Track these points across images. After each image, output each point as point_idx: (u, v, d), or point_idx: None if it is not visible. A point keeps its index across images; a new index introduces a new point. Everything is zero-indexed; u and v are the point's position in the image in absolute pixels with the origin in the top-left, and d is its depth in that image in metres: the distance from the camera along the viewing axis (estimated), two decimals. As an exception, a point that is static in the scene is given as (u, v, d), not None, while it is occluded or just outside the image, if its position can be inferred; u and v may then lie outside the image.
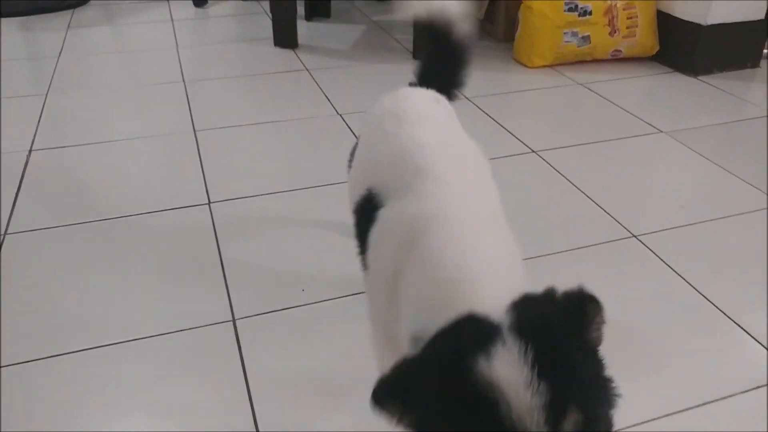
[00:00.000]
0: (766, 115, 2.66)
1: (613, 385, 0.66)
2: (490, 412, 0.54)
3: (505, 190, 2.11)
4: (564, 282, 1.63)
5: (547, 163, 2.23)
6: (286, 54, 3.27)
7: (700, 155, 2.31)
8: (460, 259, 0.80)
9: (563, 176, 2.15)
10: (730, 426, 1.29)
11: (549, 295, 0.69)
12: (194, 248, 1.77)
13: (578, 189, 2.07)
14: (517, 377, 0.55)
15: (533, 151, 2.31)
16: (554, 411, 0.54)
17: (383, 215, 0.98)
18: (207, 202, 1.98)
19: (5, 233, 1.83)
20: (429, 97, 1.27)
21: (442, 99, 1.30)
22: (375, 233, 0.97)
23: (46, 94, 2.77)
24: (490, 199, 1.06)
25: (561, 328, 0.65)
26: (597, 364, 0.68)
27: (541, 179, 2.16)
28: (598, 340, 0.69)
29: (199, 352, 1.43)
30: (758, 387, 1.37)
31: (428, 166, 0.97)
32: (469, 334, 0.62)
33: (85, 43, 3.49)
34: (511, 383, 0.55)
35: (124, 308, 1.56)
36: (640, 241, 1.83)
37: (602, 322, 0.69)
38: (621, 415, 1.28)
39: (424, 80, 1.37)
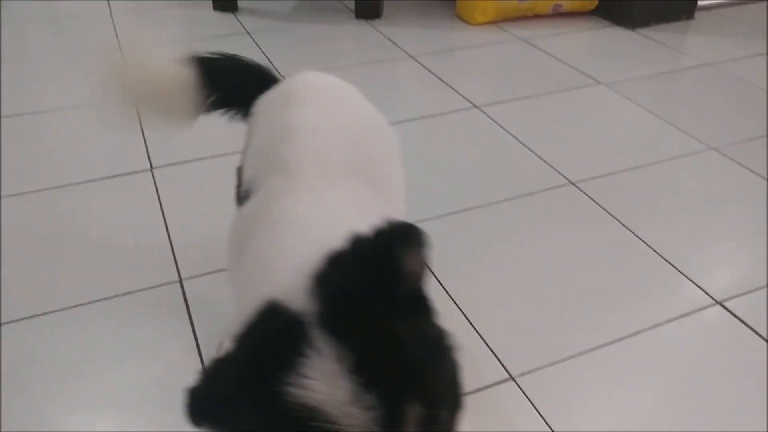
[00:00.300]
0: (699, 64, 2.75)
1: (448, 346, 0.57)
2: None
3: (448, 144, 2.17)
4: (507, 229, 1.70)
5: (489, 117, 2.28)
6: (227, 18, 3.22)
7: (637, 105, 2.39)
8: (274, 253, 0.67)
9: (505, 129, 2.20)
10: (662, 351, 1.38)
11: (354, 254, 0.56)
12: (138, 214, 1.77)
13: (519, 141, 2.13)
14: (337, 393, 0.46)
15: (476, 107, 2.35)
16: (390, 418, 0.47)
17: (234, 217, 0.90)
18: (149, 167, 1.97)
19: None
20: (336, 78, 1.15)
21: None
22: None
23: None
24: (367, 195, 0.89)
25: (376, 306, 0.52)
26: (424, 331, 0.57)
27: (483, 133, 2.20)
28: (417, 276, 0.58)
29: (149, 313, 1.45)
30: (684, 315, 1.47)
31: (291, 156, 0.82)
32: (274, 340, 0.51)
33: (13, 10, 3.36)
34: (332, 402, 0.46)
35: (75, 275, 1.56)
36: (578, 187, 1.90)
37: (421, 260, 0.58)
38: (562, 347, 1.38)
39: None
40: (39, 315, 1.44)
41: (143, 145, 2.08)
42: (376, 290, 0.52)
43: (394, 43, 2.88)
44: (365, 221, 0.58)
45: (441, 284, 1.53)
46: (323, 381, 0.46)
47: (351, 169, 0.84)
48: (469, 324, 1.43)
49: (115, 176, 1.93)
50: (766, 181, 1.94)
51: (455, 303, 1.48)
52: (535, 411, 1.24)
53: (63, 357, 1.34)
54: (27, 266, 1.59)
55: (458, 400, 0.55)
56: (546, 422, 1.22)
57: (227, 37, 2.96)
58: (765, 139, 2.18)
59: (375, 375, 0.47)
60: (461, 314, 1.46)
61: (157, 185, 1.88)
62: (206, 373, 0.53)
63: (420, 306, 0.58)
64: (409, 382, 0.49)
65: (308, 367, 0.47)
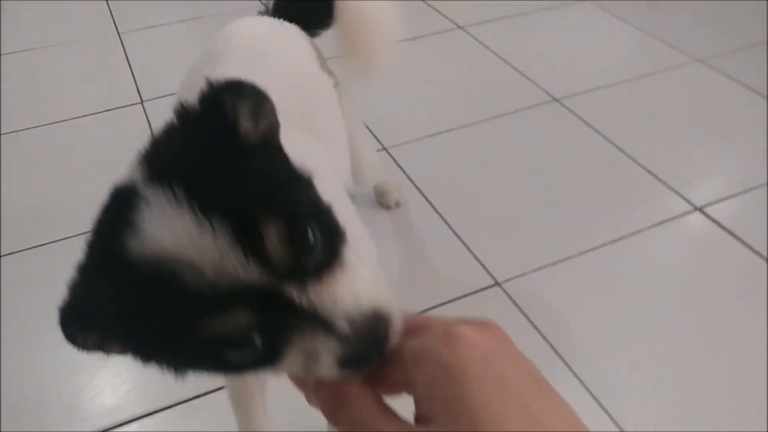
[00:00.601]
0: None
1: (305, 176, 0.50)
2: (180, 288, 0.40)
3: (433, 66, 2.18)
4: (492, 146, 1.74)
5: (473, 37, 2.28)
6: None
7: (623, 20, 2.39)
8: None
9: (489, 49, 2.20)
10: (644, 256, 1.45)
11: (181, 117, 0.49)
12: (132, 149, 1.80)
13: (503, 60, 2.14)
14: (179, 231, 0.41)
15: (459, 27, 2.34)
16: (246, 238, 0.41)
17: None
18: (140, 101, 1.98)
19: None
20: (269, 25, 1.09)
21: (292, 28, 1.12)
22: None
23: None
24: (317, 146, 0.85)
25: (205, 148, 0.47)
26: (274, 164, 0.51)
27: (467, 54, 2.21)
28: (267, 127, 0.50)
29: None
30: (665, 221, 1.53)
31: None
32: (107, 215, 0.47)
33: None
34: (179, 243, 0.41)
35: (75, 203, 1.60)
36: (561, 103, 1.92)
37: (257, 106, 0.50)
38: (547, 254, 1.43)
39: (281, 12, 1.17)
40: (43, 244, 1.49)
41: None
42: (207, 138, 0.47)
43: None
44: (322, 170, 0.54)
45: (428, 200, 1.58)
46: (163, 226, 0.41)
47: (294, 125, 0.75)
48: (454, 235, 1.49)
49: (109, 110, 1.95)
50: (747, 90, 1.97)
51: (442, 217, 1.53)
52: (522, 314, 1.31)
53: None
54: (32, 197, 1.63)
55: (332, 224, 0.48)
56: (533, 325, 1.29)
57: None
58: (749, 49, 2.19)
59: (218, 202, 0.42)
60: (447, 226, 1.51)
61: (149, 118, 1.90)
62: (69, 287, 0.47)
63: (269, 152, 0.51)
64: (258, 198, 0.44)
65: (144, 219, 0.42)
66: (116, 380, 1.23)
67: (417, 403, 0.40)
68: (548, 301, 1.34)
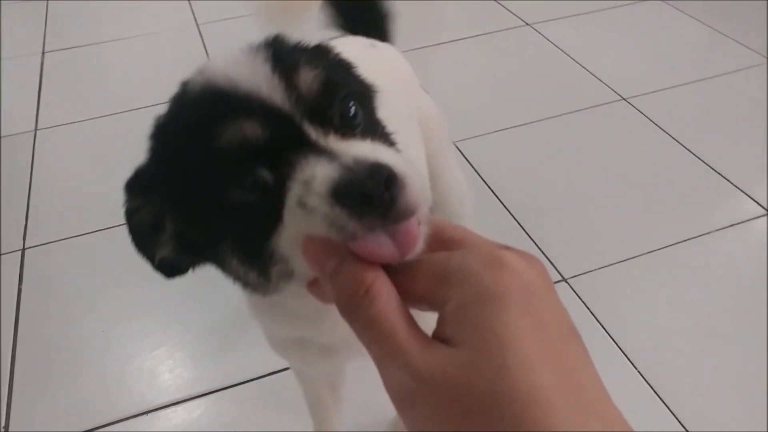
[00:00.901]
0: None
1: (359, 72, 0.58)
2: (220, 104, 0.46)
3: (501, 62, 2.20)
4: (559, 143, 1.76)
5: (541, 34, 2.29)
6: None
7: (696, 19, 2.35)
8: None
9: (557, 47, 2.21)
10: (711, 257, 1.45)
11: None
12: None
13: (571, 58, 2.15)
14: (239, 62, 0.48)
15: (528, 24, 2.36)
16: (285, 70, 0.47)
17: None
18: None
19: (36, 128, 1.95)
20: (359, 45, 1.09)
21: (378, 44, 1.13)
22: None
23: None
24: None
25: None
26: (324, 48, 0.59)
27: (535, 51, 2.22)
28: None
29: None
30: (734, 224, 1.53)
31: None
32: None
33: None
34: (233, 69, 0.47)
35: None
36: (629, 103, 1.93)
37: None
38: (614, 252, 1.44)
39: (346, 25, 1.18)
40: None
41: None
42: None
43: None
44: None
45: (495, 195, 1.61)
46: (231, 60, 0.48)
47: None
48: (522, 230, 1.52)
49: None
50: (824, 94, 1.93)
51: (509, 211, 1.57)
52: (588, 311, 1.34)
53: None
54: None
55: (364, 84, 0.56)
56: (598, 321, 1.32)
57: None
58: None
59: (287, 58, 0.49)
60: (514, 220, 1.55)
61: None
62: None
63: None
64: (305, 54, 0.52)
65: (216, 61, 0.50)
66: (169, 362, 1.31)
67: (441, 323, 0.37)
68: (614, 299, 1.37)
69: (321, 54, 0.57)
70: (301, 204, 0.42)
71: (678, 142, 1.77)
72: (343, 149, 0.43)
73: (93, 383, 1.27)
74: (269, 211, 0.44)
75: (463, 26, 2.36)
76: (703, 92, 1.98)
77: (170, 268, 0.58)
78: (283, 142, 0.45)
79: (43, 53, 2.34)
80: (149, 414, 1.21)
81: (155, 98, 2.02)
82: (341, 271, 0.39)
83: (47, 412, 1.22)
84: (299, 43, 0.55)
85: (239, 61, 0.48)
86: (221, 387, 1.25)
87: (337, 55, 0.59)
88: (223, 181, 0.45)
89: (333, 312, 0.40)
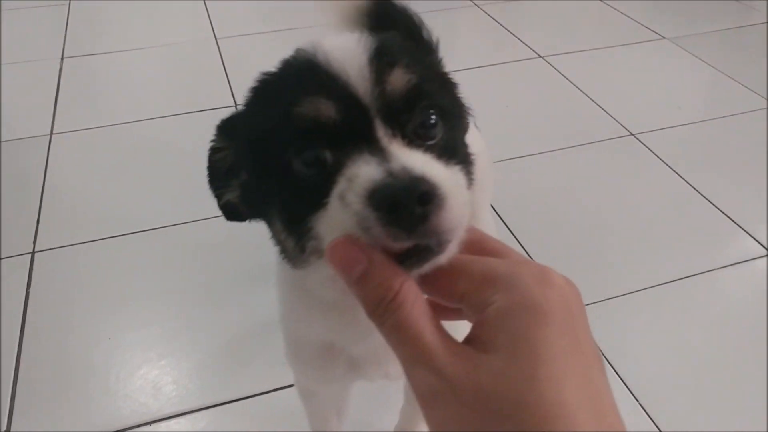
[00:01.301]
0: (766, 21, 2.71)
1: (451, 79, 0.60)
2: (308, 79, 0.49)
3: (512, 93, 2.23)
4: (567, 175, 1.79)
5: (553, 67, 2.33)
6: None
7: (701, 60, 2.40)
8: None
9: (568, 80, 2.25)
10: (713, 295, 1.47)
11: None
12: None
13: (582, 92, 2.18)
14: (339, 44, 0.51)
15: (540, 56, 2.40)
16: (380, 65, 0.49)
17: None
18: (233, 104, 2.10)
19: (52, 132, 1.97)
20: None
21: None
22: None
23: (69, 2, 2.82)
24: None
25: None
26: (433, 55, 0.64)
27: (546, 83, 2.26)
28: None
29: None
30: (737, 263, 1.55)
31: None
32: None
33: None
34: (333, 49, 0.50)
35: (148, 201, 1.72)
36: (637, 138, 1.96)
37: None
38: (617, 284, 1.46)
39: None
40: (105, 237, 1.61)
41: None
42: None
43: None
44: None
45: (504, 222, 1.63)
46: (332, 42, 0.51)
47: None
48: (529, 257, 1.53)
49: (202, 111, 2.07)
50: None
51: (517, 239, 1.59)
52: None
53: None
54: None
55: (458, 103, 0.58)
56: (601, 352, 1.32)
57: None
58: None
59: (386, 52, 0.50)
60: (521, 248, 1.57)
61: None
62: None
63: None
64: (404, 51, 0.53)
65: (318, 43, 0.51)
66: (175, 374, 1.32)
67: (479, 325, 0.38)
68: (615, 332, 1.38)
69: (429, 64, 0.59)
70: (341, 197, 0.44)
71: (683, 179, 1.79)
72: (399, 155, 0.45)
73: (97, 390, 1.28)
74: (318, 190, 0.46)
75: (476, 55, 2.40)
76: (708, 132, 2.01)
77: (232, 213, 0.61)
78: (351, 131, 0.46)
79: (62, 58, 2.37)
80: (152, 424, 1.21)
81: (171, 109, 2.07)
82: (369, 275, 0.40)
83: (49, 418, 1.22)
84: (413, 45, 0.57)
85: (346, 45, 0.50)
86: (226, 401, 1.25)
87: (443, 67, 0.61)
88: (289, 148, 0.48)
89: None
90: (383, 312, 0.39)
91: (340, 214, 0.43)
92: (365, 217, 0.41)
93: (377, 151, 0.45)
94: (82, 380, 1.30)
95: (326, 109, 0.47)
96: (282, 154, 0.48)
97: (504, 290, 0.38)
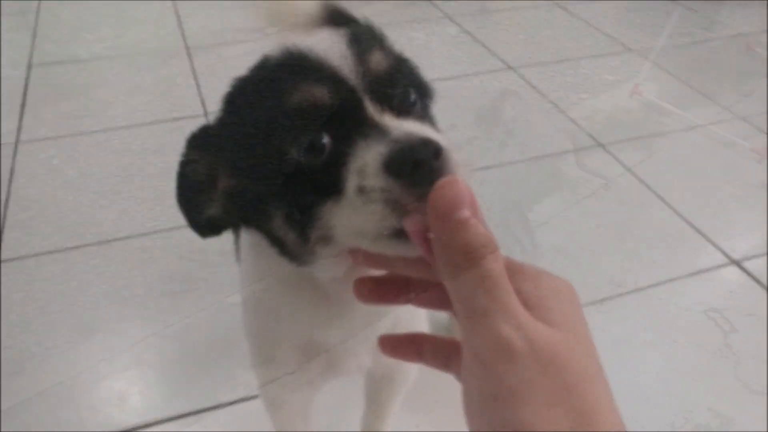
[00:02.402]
0: (734, 35, 2.76)
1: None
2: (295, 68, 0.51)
3: (482, 103, 2.23)
4: (532, 186, 1.79)
5: (524, 79, 2.36)
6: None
7: (667, 72, 2.44)
8: None
9: (537, 90, 2.28)
10: (678, 303, 1.49)
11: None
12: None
13: (550, 102, 2.21)
14: (319, 37, 0.54)
15: (511, 68, 2.43)
16: (360, 49, 0.52)
17: None
18: (204, 113, 2.09)
19: (18, 141, 1.94)
20: None
21: None
22: None
23: (38, 10, 2.78)
24: None
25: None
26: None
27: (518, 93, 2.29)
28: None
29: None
30: (701, 272, 1.57)
31: None
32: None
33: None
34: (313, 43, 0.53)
35: (114, 211, 1.70)
36: (606, 150, 1.98)
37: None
38: (578, 292, 1.46)
39: None
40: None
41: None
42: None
43: (433, 4, 2.94)
44: None
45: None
46: (312, 39, 0.53)
47: None
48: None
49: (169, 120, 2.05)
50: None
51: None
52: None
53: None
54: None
55: (425, 82, 0.62)
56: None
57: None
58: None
59: (363, 41, 0.54)
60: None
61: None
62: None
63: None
64: (375, 42, 0.57)
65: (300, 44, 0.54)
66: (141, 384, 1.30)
67: (527, 307, 0.40)
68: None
69: (392, 47, 0.62)
70: (360, 190, 0.46)
71: (650, 188, 1.82)
72: (395, 125, 0.48)
73: (61, 401, 1.25)
74: (321, 178, 0.48)
75: (446, 67, 2.41)
76: (675, 144, 2.04)
77: (210, 228, 0.61)
78: (344, 111, 0.49)
79: (29, 66, 2.34)
80: (117, 436, 1.20)
81: (140, 118, 2.05)
82: (473, 223, 0.41)
83: (12, 430, 1.20)
84: (381, 32, 0.61)
85: (322, 37, 0.53)
86: (193, 411, 1.23)
87: (403, 54, 0.64)
88: (286, 138, 0.49)
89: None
90: (479, 258, 0.40)
91: (362, 207, 0.45)
92: (390, 189, 0.43)
93: (372, 128, 0.48)
94: (46, 391, 1.27)
95: (319, 92, 0.49)
96: (279, 145, 0.49)
97: (531, 279, 0.42)
